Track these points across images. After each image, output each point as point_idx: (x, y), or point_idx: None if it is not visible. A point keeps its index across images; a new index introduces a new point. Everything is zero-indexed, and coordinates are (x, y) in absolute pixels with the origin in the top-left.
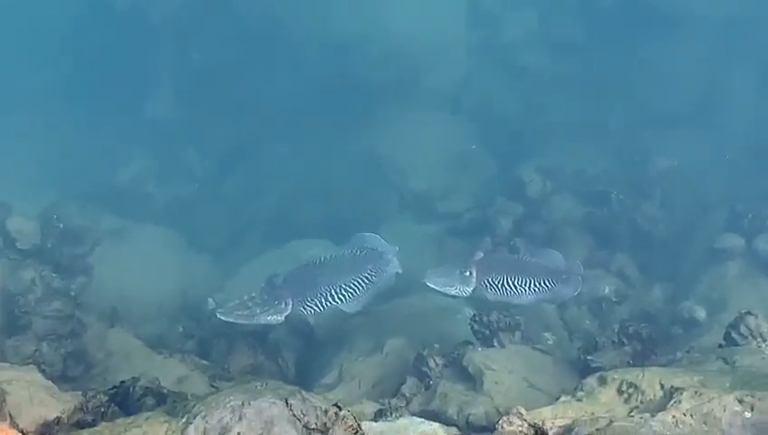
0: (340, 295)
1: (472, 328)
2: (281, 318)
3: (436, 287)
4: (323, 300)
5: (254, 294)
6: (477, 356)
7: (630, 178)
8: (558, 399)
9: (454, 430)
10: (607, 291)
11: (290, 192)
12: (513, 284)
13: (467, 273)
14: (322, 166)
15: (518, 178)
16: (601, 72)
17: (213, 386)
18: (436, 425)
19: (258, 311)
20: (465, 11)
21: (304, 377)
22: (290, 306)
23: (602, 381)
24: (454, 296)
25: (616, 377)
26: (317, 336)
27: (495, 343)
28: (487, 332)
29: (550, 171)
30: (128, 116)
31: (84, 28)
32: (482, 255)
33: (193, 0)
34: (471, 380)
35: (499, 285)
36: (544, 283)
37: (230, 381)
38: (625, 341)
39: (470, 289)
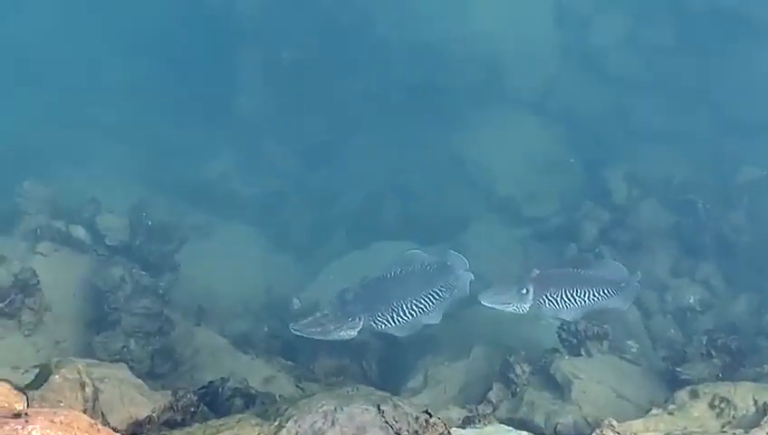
0: (411, 311)
1: (559, 336)
2: (353, 333)
3: (492, 305)
4: (395, 315)
5: (326, 311)
6: (565, 365)
7: (717, 187)
8: (649, 411)
9: None
10: (692, 300)
11: (374, 191)
12: (572, 295)
13: (524, 290)
14: (407, 165)
15: (604, 184)
16: (690, 78)
17: (298, 387)
18: (524, 433)
19: (331, 327)
20: (552, 12)
21: (387, 380)
22: (361, 322)
23: (694, 395)
24: (510, 313)
25: (707, 391)
26: (400, 339)
27: (583, 352)
28: (575, 340)
29: (637, 178)
30: (215, 111)
31: (173, 21)
32: (538, 272)
33: None
34: (558, 388)
35: (558, 299)
36: (603, 292)
37: (316, 382)
38: (713, 353)
39: (528, 306)
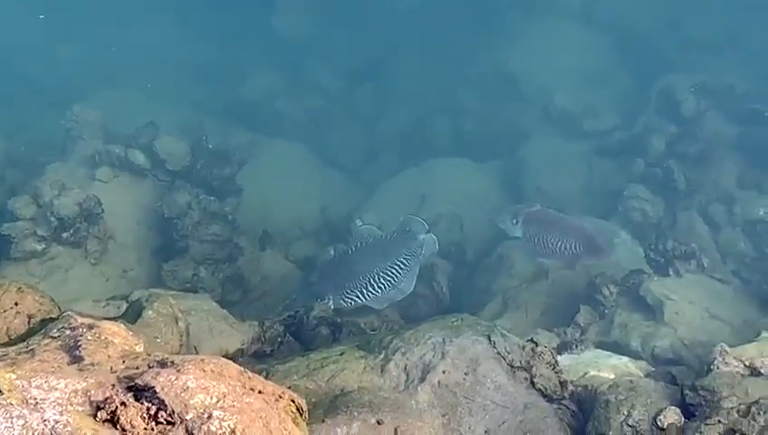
0: (380, 284)
1: (647, 256)
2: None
3: (495, 223)
4: (364, 290)
5: (294, 296)
6: (655, 286)
7: None
8: (759, 335)
9: (643, 363)
10: (761, 213)
11: (422, 108)
12: (547, 241)
13: (515, 221)
14: (454, 81)
15: (669, 96)
16: None
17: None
18: (625, 359)
19: (302, 312)
20: None
21: (459, 303)
22: (331, 301)
23: None
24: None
25: None
26: (468, 259)
27: (671, 272)
28: (662, 260)
29: (702, 89)
30: (255, 32)
31: None
32: (537, 208)
33: None
34: (648, 310)
35: (534, 240)
36: (576, 247)
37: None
38: None
39: (516, 234)
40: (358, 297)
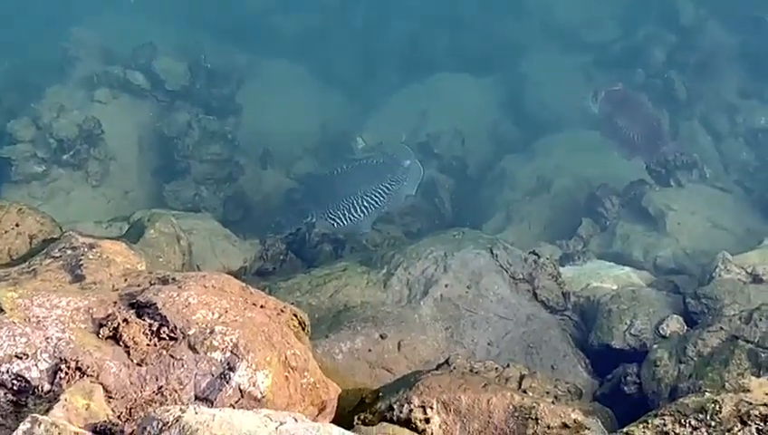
0: (363, 206)
1: (647, 167)
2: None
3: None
4: (346, 212)
5: (278, 218)
6: (657, 196)
7: None
8: (761, 242)
9: (645, 274)
10: (763, 121)
11: (420, 23)
12: (614, 121)
13: (596, 97)
14: None
15: (668, 4)
16: None
17: (374, 229)
18: (627, 269)
19: (304, 229)
20: None
21: (463, 217)
22: (314, 219)
23: None
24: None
25: None
26: (470, 173)
27: (672, 183)
28: (663, 171)
29: None
30: None
31: None
32: (619, 87)
33: None
34: (650, 220)
35: (606, 118)
36: (636, 138)
37: (391, 223)
38: None
39: (594, 111)
40: (340, 219)
